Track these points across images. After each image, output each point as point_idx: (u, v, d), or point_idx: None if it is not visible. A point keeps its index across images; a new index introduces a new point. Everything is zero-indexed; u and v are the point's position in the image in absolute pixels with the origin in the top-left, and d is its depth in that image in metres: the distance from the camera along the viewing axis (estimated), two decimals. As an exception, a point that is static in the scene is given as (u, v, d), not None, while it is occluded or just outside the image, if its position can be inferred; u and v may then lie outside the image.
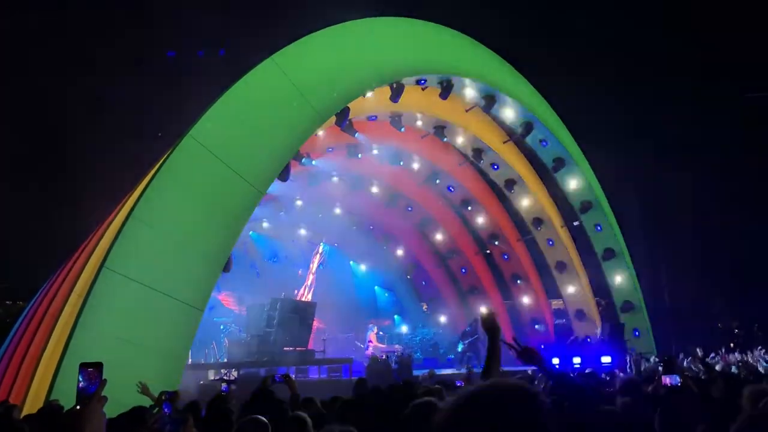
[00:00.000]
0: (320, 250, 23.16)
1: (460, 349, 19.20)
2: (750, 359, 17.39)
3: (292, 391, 5.61)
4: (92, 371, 2.00)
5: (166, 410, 5.91)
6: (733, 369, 13.04)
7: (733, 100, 27.68)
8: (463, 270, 23.88)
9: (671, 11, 28.26)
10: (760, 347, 18.78)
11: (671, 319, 23.08)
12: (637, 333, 20.31)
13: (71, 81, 18.70)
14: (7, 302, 24.83)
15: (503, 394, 1.28)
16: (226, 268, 10.84)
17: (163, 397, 6.23)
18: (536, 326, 22.35)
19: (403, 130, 17.35)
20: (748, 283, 24.76)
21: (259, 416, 3.76)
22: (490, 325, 3.35)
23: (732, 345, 22.16)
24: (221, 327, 17.94)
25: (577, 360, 19.08)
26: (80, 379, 1.98)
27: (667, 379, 5.65)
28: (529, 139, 19.05)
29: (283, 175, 12.35)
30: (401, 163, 20.13)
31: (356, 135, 15.90)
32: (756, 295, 24.07)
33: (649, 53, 29.57)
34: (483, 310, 3.82)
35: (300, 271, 22.13)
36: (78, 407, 1.90)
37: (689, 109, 27.53)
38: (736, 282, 25.69)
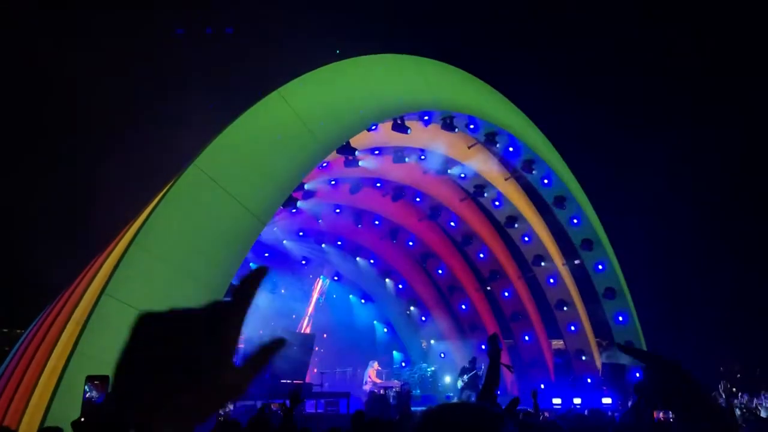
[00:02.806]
0: (320, 283, 23.10)
1: (459, 386, 18.96)
2: (753, 403, 17.17)
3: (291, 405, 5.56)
4: (99, 383, 2.03)
5: None
6: (737, 411, 12.88)
7: (737, 139, 27.94)
8: (464, 306, 23.75)
9: (677, 46, 28.69)
10: (763, 392, 18.55)
11: (674, 359, 22.82)
12: (638, 374, 20.08)
13: (71, 106, 18.95)
14: (4, 330, 24.65)
15: (466, 413, 1.31)
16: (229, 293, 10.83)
17: None
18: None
19: (407, 161, 17.51)
20: (752, 326, 24.60)
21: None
22: (490, 347, 3.38)
23: (734, 389, 21.90)
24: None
25: (577, 400, 18.84)
26: (87, 389, 2.00)
27: (660, 414, 5.58)
28: (530, 177, 19.20)
29: (288, 205, 12.45)
30: (403, 197, 20.24)
31: (360, 164, 16.07)
32: (760, 339, 23.89)
33: (652, 91, 29.97)
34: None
35: (299, 304, 22.04)
36: (82, 419, 1.92)
37: (693, 149, 27.75)
38: (740, 325, 25.51)
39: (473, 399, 17.23)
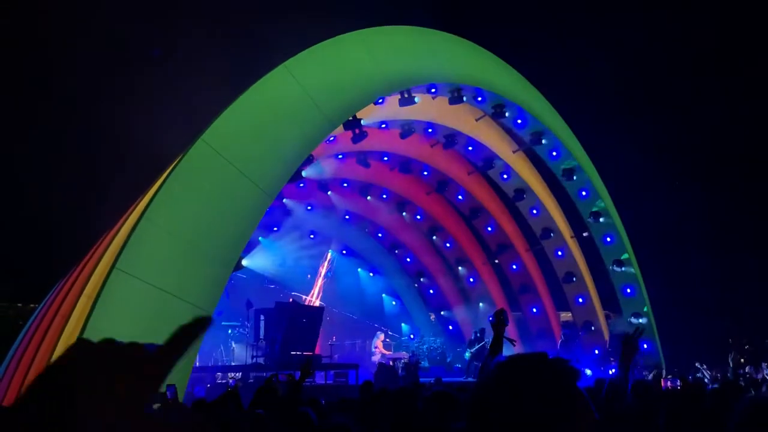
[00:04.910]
0: (328, 257, 23.24)
1: (467, 357, 19.17)
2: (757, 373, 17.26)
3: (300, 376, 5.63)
4: None
5: (168, 395, 6.51)
6: (741, 381, 12.96)
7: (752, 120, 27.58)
8: (472, 279, 23.85)
9: (693, 31, 28.16)
10: (765, 363, 18.60)
11: (681, 332, 22.93)
12: (645, 346, 20.18)
13: (79, 81, 18.93)
14: (19, 304, 25.01)
15: (539, 361, 1.28)
16: (237, 267, 10.96)
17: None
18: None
19: (414, 131, 17.45)
20: (762, 298, 24.54)
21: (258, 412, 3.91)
22: (497, 321, 3.47)
23: (742, 360, 21.97)
24: (228, 331, 18.03)
25: (588, 372, 18.98)
26: None
27: (667, 383, 5.66)
28: (539, 149, 19.08)
29: (296, 179, 12.49)
30: (411, 171, 20.22)
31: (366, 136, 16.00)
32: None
33: (664, 66, 29.56)
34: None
35: (309, 276, 22.24)
36: None
37: (704, 123, 27.44)
38: (749, 297, 25.46)
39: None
